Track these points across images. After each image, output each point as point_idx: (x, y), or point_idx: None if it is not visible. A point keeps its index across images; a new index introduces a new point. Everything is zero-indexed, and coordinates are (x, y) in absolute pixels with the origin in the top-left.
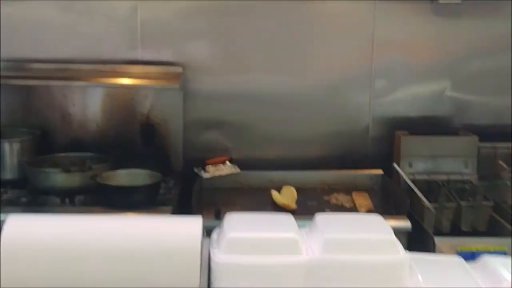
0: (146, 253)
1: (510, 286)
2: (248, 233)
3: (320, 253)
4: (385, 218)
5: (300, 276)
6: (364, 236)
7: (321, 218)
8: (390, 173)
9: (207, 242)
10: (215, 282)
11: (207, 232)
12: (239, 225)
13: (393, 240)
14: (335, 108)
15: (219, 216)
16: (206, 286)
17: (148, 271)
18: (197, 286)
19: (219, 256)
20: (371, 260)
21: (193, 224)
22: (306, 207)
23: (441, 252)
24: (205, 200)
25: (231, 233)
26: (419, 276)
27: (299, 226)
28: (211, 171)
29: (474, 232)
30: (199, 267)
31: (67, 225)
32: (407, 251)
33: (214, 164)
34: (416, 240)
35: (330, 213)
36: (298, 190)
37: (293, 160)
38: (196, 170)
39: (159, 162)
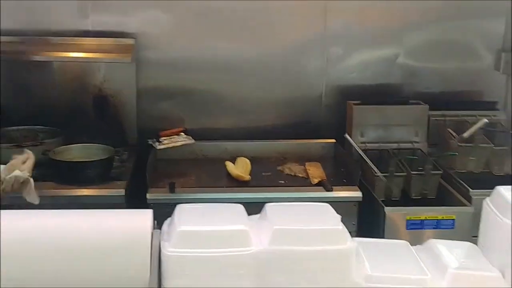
0: (95, 247)
1: (455, 272)
2: (198, 226)
3: (269, 244)
4: (336, 188)
5: (250, 267)
6: (312, 227)
7: (271, 208)
8: (342, 142)
9: (157, 234)
10: (165, 275)
11: (161, 205)
12: (190, 218)
13: (340, 230)
14: (290, 76)
15: (173, 190)
16: (157, 279)
17: (98, 266)
18: (148, 279)
19: (170, 249)
20: (319, 250)
21: (143, 218)
22: (260, 178)
23: (391, 220)
24: (159, 172)
25: (182, 226)
26: (366, 263)
27: (253, 198)
28: (166, 143)
29: (423, 201)
30: (149, 261)
31: (13, 219)
32: (357, 224)
33: (169, 135)
34: (367, 210)
35: (280, 204)
36: (253, 160)
37: (247, 130)
38: (150, 141)
39: (112, 135)
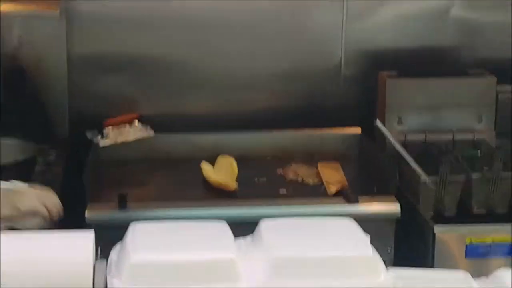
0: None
1: None
2: (161, 255)
3: (266, 279)
4: (364, 198)
5: None
6: (328, 253)
7: (268, 226)
8: (371, 132)
9: (102, 265)
10: None
11: (107, 227)
12: (148, 242)
13: (370, 257)
14: (293, 38)
15: (124, 205)
16: None
17: None
18: None
19: None
20: None
21: (81, 243)
22: (252, 186)
23: (443, 245)
24: (104, 180)
25: (137, 255)
26: None
27: (241, 216)
28: (112, 136)
29: (490, 217)
30: None
31: None
32: (393, 266)
33: (116, 125)
34: (409, 230)
35: (281, 220)
36: (241, 160)
37: (233, 116)
38: (89, 135)
39: (33, 125)
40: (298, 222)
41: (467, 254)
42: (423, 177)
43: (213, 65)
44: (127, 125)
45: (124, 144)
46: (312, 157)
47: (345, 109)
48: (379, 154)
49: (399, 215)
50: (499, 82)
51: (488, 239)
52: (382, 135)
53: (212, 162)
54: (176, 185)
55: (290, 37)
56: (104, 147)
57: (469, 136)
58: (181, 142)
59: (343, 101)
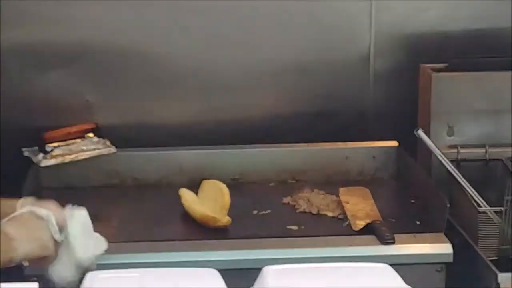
0: None
1: None
2: None
3: None
4: (402, 237)
5: None
6: None
7: (274, 274)
8: (410, 146)
9: None
10: None
11: None
12: None
13: None
14: (306, 22)
15: None
16: None
17: None
18: None
19: None
20: None
21: None
22: (250, 221)
23: None
24: None
25: None
26: None
27: (235, 263)
28: (57, 154)
29: None
30: None
31: None
32: None
33: (63, 138)
34: (463, 278)
35: (288, 266)
36: (234, 186)
37: (224, 126)
38: (26, 152)
39: None
40: (314, 270)
41: None
42: (483, 206)
43: (197, 58)
44: (78, 139)
45: (74, 164)
46: (331, 181)
47: (375, 115)
48: (422, 175)
49: (451, 259)
50: None
51: None
52: (426, 149)
53: (195, 188)
54: (146, 220)
55: (301, 21)
56: (47, 168)
57: None
58: (152, 161)
59: (373, 105)
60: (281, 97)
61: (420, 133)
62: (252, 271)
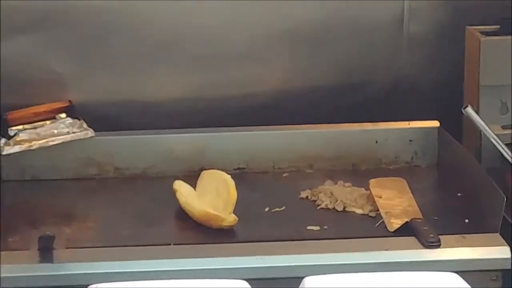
0: None
1: None
2: None
3: None
4: (449, 239)
5: None
6: None
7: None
8: (456, 127)
9: None
10: None
11: None
12: None
13: None
14: None
15: (49, 254)
16: None
17: None
18: None
19: None
20: None
21: None
22: (261, 220)
23: None
24: (12, 212)
25: None
26: None
27: (245, 271)
28: (23, 138)
29: None
30: None
31: None
32: None
33: (30, 119)
34: None
35: (327, 277)
36: (239, 177)
37: (224, 104)
38: None
39: None
40: (367, 279)
41: None
42: None
43: (191, 22)
44: (48, 121)
45: (43, 151)
46: (358, 170)
47: (411, 90)
48: (470, 162)
49: (509, 265)
50: None
51: None
52: (474, 130)
53: (193, 180)
54: (132, 219)
55: None
56: (8, 157)
57: None
58: (138, 147)
59: (407, 77)
60: (295, 68)
61: (469, 110)
62: (265, 282)
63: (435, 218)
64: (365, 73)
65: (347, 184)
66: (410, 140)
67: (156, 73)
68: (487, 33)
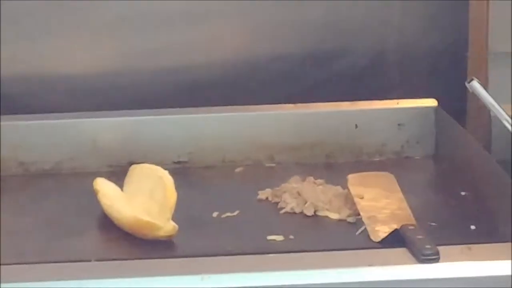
0: None
1: None
2: None
3: None
4: (450, 251)
5: None
6: None
7: None
8: (458, 105)
9: None
10: None
11: None
12: None
13: None
14: None
15: None
16: None
17: None
18: None
19: None
20: None
21: None
22: (207, 228)
23: None
24: None
25: None
26: None
27: None
28: None
29: None
30: None
31: None
32: None
33: None
34: None
35: None
36: (181, 174)
37: (160, 77)
38: None
39: None
40: None
41: None
42: None
43: None
44: None
45: None
46: (333, 163)
47: (401, 59)
48: (477, 151)
49: None
50: None
51: None
52: (482, 110)
53: (119, 177)
54: (42, 229)
55: None
56: None
57: None
58: (48, 135)
59: (398, 42)
60: (254, 31)
61: (474, 84)
62: None
63: (432, 224)
64: (344, 37)
65: (319, 181)
66: (400, 124)
67: (69, 39)
68: None
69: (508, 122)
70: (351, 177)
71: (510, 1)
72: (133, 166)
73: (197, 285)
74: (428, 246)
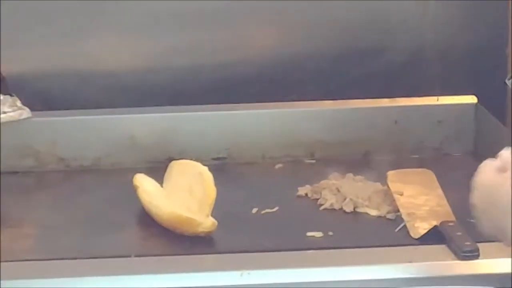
0: None
1: None
2: None
3: None
4: (491, 248)
5: None
6: None
7: None
8: (497, 102)
9: None
10: None
11: None
12: None
13: None
14: None
15: None
16: None
17: None
18: None
19: None
20: None
21: None
22: (247, 226)
23: None
24: None
25: None
26: None
27: None
28: None
29: None
30: None
31: None
32: None
33: None
34: None
35: None
36: (220, 170)
37: (198, 75)
38: None
39: None
40: None
41: None
42: None
43: None
44: None
45: None
46: (372, 160)
47: (440, 56)
48: None
49: None
50: None
51: None
52: None
53: (159, 174)
54: (81, 224)
55: None
56: None
57: None
58: (87, 131)
59: (436, 39)
60: (290, 29)
61: None
62: None
63: (472, 220)
64: (380, 35)
65: (359, 177)
66: (439, 121)
67: (107, 37)
68: None
69: None
70: (390, 174)
71: None
72: (173, 162)
73: (236, 282)
74: (467, 243)
